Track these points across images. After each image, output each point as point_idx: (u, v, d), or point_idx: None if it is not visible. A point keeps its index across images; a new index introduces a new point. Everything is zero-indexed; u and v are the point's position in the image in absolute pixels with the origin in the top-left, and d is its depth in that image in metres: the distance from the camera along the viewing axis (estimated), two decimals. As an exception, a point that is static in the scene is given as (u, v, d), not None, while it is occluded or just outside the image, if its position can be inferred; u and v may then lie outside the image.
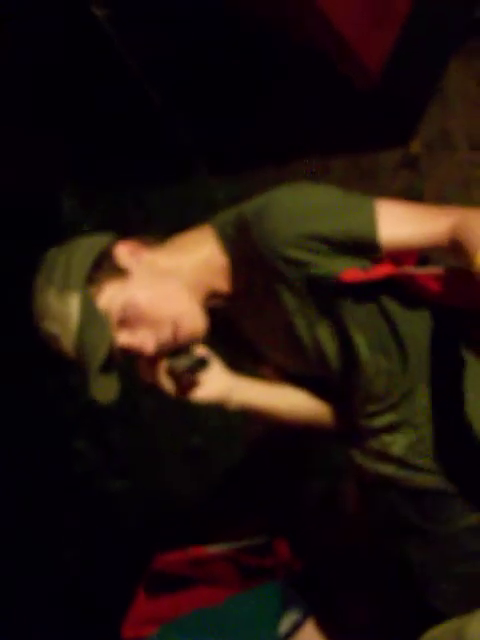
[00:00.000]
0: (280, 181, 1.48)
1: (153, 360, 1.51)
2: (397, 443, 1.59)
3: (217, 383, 1.56)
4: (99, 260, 1.44)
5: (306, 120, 2.83)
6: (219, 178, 3.02)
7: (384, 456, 1.61)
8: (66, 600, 3.28)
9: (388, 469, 1.61)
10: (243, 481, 3.08)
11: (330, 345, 1.52)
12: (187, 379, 1.52)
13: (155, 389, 1.55)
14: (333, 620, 2.11)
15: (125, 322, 1.44)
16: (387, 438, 1.60)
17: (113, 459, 3.47)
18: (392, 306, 1.49)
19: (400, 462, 1.60)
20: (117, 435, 3.44)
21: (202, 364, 1.52)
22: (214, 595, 2.20)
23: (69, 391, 3.37)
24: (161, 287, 1.47)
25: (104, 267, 1.44)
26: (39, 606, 3.20)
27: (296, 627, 2.09)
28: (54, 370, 3.23)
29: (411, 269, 1.47)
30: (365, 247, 1.42)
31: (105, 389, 1.43)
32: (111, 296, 1.43)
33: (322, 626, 2.10)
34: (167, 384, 1.53)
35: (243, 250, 1.47)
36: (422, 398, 1.56)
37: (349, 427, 1.66)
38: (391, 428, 1.59)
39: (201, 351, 1.53)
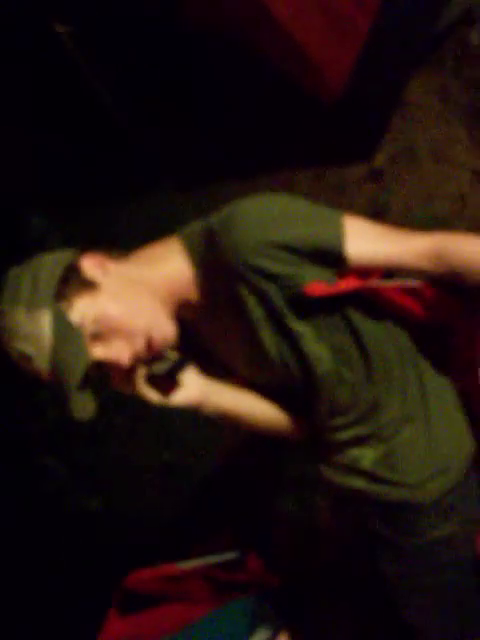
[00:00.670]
0: (246, 195, 1.49)
1: (129, 371, 1.50)
2: (366, 457, 1.59)
3: (196, 383, 1.55)
4: (66, 275, 1.42)
5: (271, 135, 2.84)
6: (186, 194, 3.02)
7: (353, 470, 1.61)
8: (37, 620, 3.24)
9: (358, 483, 1.62)
10: (216, 496, 3.07)
11: (293, 356, 1.52)
12: (167, 382, 1.52)
13: (126, 405, 1.54)
14: (308, 635, 2.11)
15: (99, 336, 1.43)
16: (355, 452, 1.60)
17: (84, 476, 3.45)
18: (357, 318, 1.50)
19: (370, 476, 1.60)
20: (88, 452, 3.41)
21: (181, 365, 1.52)
22: (187, 612, 2.18)
23: (38, 408, 3.35)
24: (131, 298, 1.45)
25: (72, 281, 1.42)
26: (8, 627, 3.15)
27: None
28: (22, 387, 3.21)
29: (377, 282, 1.48)
30: (331, 258, 1.43)
31: (83, 406, 1.41)
32: (82, 311, 1.41)
33: (295, 642, 2.09)
34: (148, 392, 1.52)
35: (210, 261, 1.47)
36: (389, 411, 1.56)
37: (316, 440, 1.67)
38: (359, 441, 1.59)
39: (176, 354, 1.53)
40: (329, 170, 2.81)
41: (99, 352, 1.43)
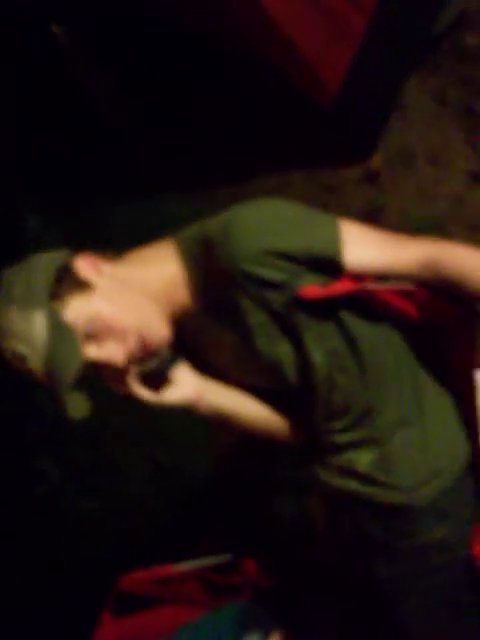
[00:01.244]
0: (242, 196, 1.48)
1: (122, 370, 1.49)
2: (362, 460, 1.59)
3: (190, 381, 1.55)
4: (60, 275, 1.42)
5: (267, 136, 2.84)
6: (182, 195, 3.02)
7: (349, 472, 1.61)
8: (30, 621, 3.23)
9: (353, 485, 1.61)
10: (209, 498, 3.06)
11: (289, 361, 1.52)
12: (160, 380, 1.51)
13: (120, 405, 1.54)
14: (300, 638, 2.10)
15: (92, 336, 1.43)
16: (351, 455, 1.60)
17: (78, 478, 3.44)
18: (352, 322, 1.49)
19: (365, 478, 1.60)
20: (82, 452, 3.40)
21: (173, 361, 1.52)
22: (181, 614, 2.18)
23: (32, 409, 3.34)
24: (124, 298, 1.46)
25: (66, 281, 1.42)
26: (1, 628, 3.15)
27: None
28: (15, 387, 3.20)
29: (371, 285, 1.47)
30: (328, 266, 1.43)
31: (77, 405, 1.42)
32: (76, 310, 1.41)
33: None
34: (141, 391, 1.52)
35: (206, 266, 1.46)
36: (385, 414, 1.56)
37: (312, 442, 1.66)
38: (355, 445, 1.59)
39: (168, 352, 1.52)
40: (325, 171, 2.81)
41: (93, 352, 1.43)
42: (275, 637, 2.08)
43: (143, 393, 1.52)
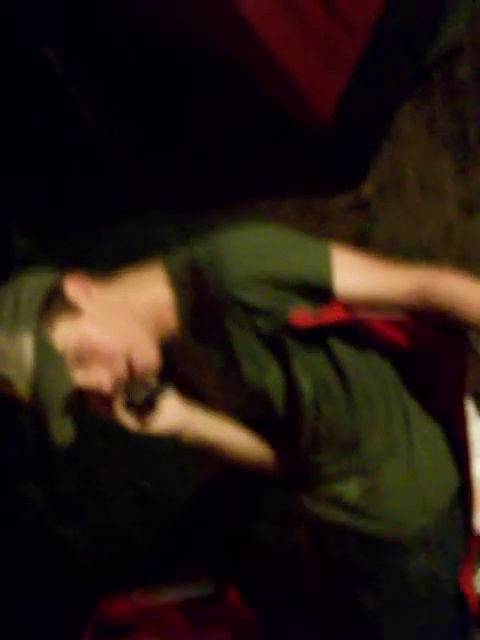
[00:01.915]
0: (231, 221, 1.47)
1: (109, 396, 1.47)
2: (349, 491, 1.57)
3: (176, 410, 1.53)
4: (49, 297, 1.40)
5: (258, 162, 2.85)
6: (170, 218, 3.01)
7: (335, 503, 1.59)
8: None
9: (340, 516, 1.59)
10: (193, 526, 3.03)
11: (277, 390, 1.50)
12: (146, 409, 1.49)
13: (104, 432, 1.52)
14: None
15: (80, 360, 1.40)
16: (338, 486, 1.58)
17: (61, 503, 3.40)
18: (340, 350, 1.48)
19: (352, 509, 1.58)
20: (66, 478, 3.37)
21: (160, 391, 1.49)
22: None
23: (14, 432, 3.31)
24: (113, 322, 1.43)
25: (55, 304, 1.40)
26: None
27: None
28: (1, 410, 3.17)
29: (362, 313, 1.46)
30: (318, 292, 1.42)
31: (63, 431, 1.39)
32: (64, 335, 1.39)
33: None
34: (125, 418, 1.49)
35: (194, 291, 1.45)
36: (372, 444, 1.54)
37: (298, 472, 1.64)
38: (342, 475, 1.57)
39: (155, 380, 1.50)
40: (315, 198, 2.81)
41: (80, 377, 1.41)
42: None
43: (128, 421, 1.50)
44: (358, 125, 2.62)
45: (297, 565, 1.85)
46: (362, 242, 2.71)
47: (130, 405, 1.48)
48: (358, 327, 1.47)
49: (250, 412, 1.59)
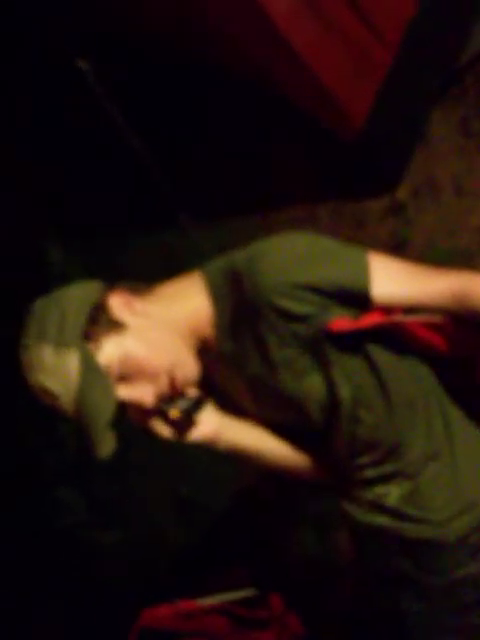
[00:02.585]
0: (267, 229, 1.48)
1: (149, 410, 1.48)
2: (391, 494, 1.57)
3: (212, 421, 1.53)
4: (94, 314, 1.41)
5: (292, 169, 2.85)
6: (205, 226, 3.02)
7: (377, 507, 1.59)
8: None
9: (382, 520, 1.59)
10: (233, 532, 3.04)
11: (314, 396, 1.50)
12: (185, 420, 1.50)
13: (143, 438, 1.53)
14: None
15: (124, 376, 1.42)
16: (380, 489, 1.58)
17: (101, 510, 3.43)
18: (379, 355, 1.48)
19: (394, 513, 1.58)
20: (105, 485, 3.40)
21: (199, 405, 1.50)
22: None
23: (55, 441, 3.34)
24: (157, 338, 1.44)
25: (100, 321, 1.41)
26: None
27: None
28: (39, 420, 3.20)
29: (401, 317, 1.46)
30: (356, 298, 1.42)
31: (105, 445, 1.40)
32: (109, 352, 1.40)
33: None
34: (162, 429, 1.50)
35: (233, 300, 1.45)
36: (414, 448, 1.54)
37: (338, 477, 1.64)
38: (383, 479, 1.57)
39: (195, 391, 1.51)
40: (350, 204, 2.81)
41: (123, 392, 1.42)
42: None
43: (165, 431, 1.51)
44: (391, 128, 2.62)
45: (338, 570, 1.85)
46: (398, 247, 2.70)
47: (168, 418, 1.49)
48: (396, 331, 1.47)
49: (285, 419, 1.59)
